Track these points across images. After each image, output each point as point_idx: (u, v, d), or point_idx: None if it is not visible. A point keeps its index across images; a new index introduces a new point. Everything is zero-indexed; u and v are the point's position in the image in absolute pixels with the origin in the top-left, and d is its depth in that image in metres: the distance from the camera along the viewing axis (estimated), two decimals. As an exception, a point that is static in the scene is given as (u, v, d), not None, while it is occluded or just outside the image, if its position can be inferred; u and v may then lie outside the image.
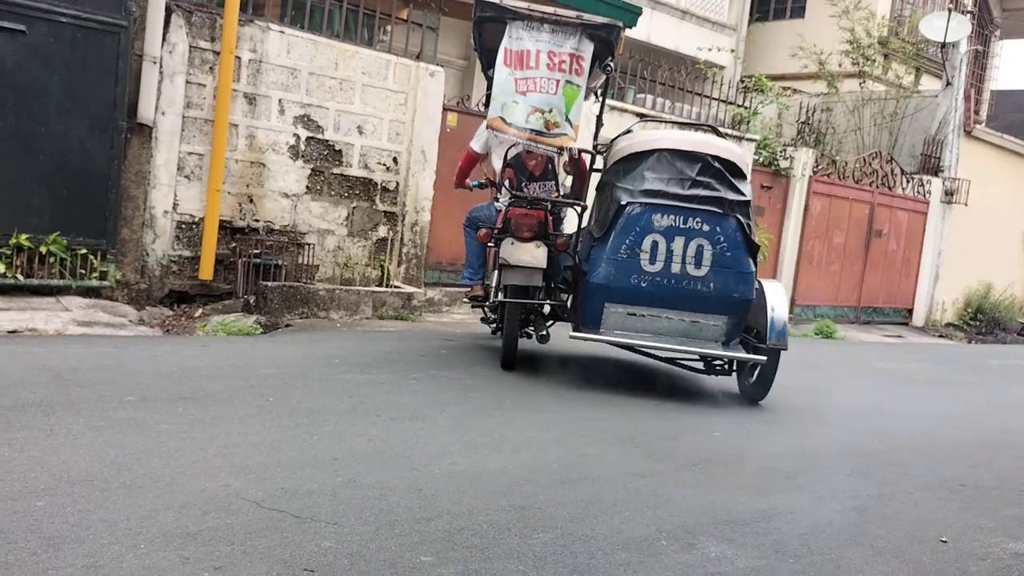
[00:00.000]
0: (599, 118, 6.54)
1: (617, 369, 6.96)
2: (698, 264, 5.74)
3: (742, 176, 5.96)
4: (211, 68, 7.64)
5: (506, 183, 6.31)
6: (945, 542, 3.66)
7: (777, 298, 6.09)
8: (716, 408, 5.92)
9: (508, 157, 6.24)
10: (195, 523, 2.91)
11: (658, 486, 3.95)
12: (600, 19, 5.98)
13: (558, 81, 5.84)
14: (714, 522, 3.55)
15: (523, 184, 6.53)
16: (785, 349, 5.97)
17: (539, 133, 5.87)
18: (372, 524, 3.08)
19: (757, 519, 3.66)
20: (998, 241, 16.98)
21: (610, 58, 6.11)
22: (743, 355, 5.95)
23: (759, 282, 6.11)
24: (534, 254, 6.01)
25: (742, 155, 6.14)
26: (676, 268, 5.75)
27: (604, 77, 6.34)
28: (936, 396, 7.87)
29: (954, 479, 4.74)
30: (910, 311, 15.55)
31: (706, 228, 5.73)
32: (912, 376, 9.01)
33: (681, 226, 5.72)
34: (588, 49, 5.88)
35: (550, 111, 5.85)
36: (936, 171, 15.42)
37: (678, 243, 5.73)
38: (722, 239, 5.73)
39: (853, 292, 14.50)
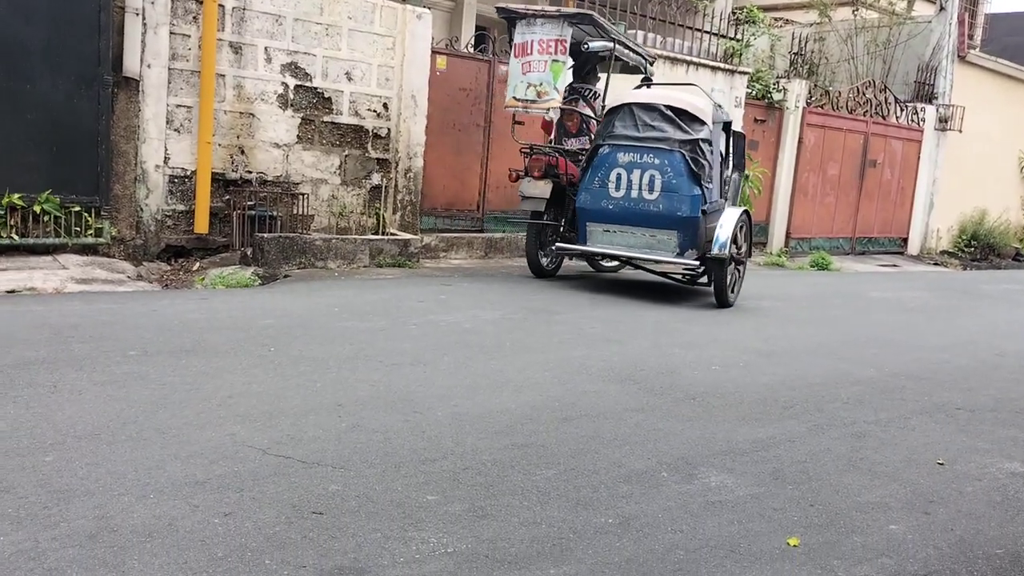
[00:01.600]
0: (605, 89, 8.28)
1: (615, 309, 7.00)
2: (651, 190, 7.32)
3: (696, 120, 7.36)
4: (195, 18, 7.51)
5: (550, 139, 8.58)
6: (942, 464, 3.73)
7: (727, 220, 7.40)
8: (714, 343, 5.97)
9: (553, 119, 8.29)
10: (203, 472, 2.96)
11: (658, 420, 4.01)
12: (574, 10, 7.98)
13: (546, 61, 7.82)
14: (713, 452, 3.62)
15: (563, 139, 8.51)
16: (724, 258, 7.28)
17: (532, 101, 7.94)
18: (378, 467, 3.13)
19: (756, 448, 3.72)
20: (993, 167, 16.91)
21: (587, 39, 8.15)
22: (681, 260, 7.44)
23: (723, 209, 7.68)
24: (541, 188, 7.90)
25: (695, 103, 7.53)
26: (635, 194, 7.38)
27: (610, 56, 8.23)
28: (931, 323, 7.93)
29: (950, 403, 4.81)
30: (905, 240, 15.58)
31: (656, 161, 7.29)
32: (907, 304, 9.07)
33: (638, 161, 7.36)
34: (568, 33, 7.80)
35: (540, 84, 7.86)
36: (930, 98, 15.29)
37: (636, 174, 7.36)
38: (669, 170, 7.25)
39: (848, 223, 14.50)
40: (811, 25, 15.70)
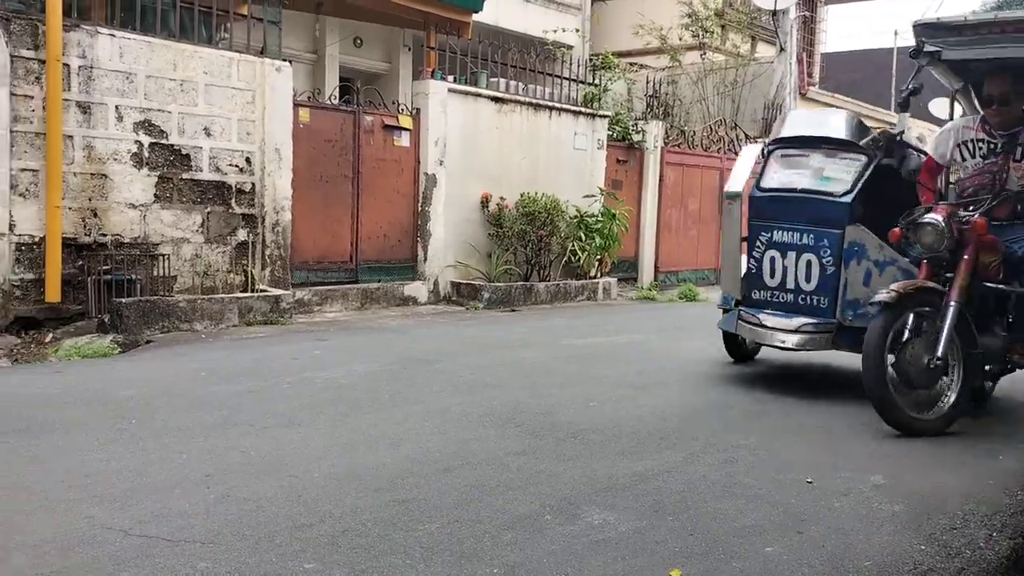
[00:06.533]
0: None
1: (491, 353, 7.00)
2: None
3: None
4: (38, 78, 7.16)
5: None
6: (811, 482, 3.87)
7: None
8: (590, 380, 6.05)
9: None
10: (57, 560, 2.74)
11: (539, 462, 4.01)
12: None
13: None
14: (595, 490, 3.64)
15: None
16: None
17: None
18: (250, 539, 2.99)
19: (636, 482, 3.77)
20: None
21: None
22: None
23: None
24: None
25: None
26: None
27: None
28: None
29: (810, 424, 5.02)
30: (766, 268, 16.33)
31: None
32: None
33: None
34: None
35: None
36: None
37: None
38: None
39: (711, 254, 15.07)
40: (663, 69, 16.45)
